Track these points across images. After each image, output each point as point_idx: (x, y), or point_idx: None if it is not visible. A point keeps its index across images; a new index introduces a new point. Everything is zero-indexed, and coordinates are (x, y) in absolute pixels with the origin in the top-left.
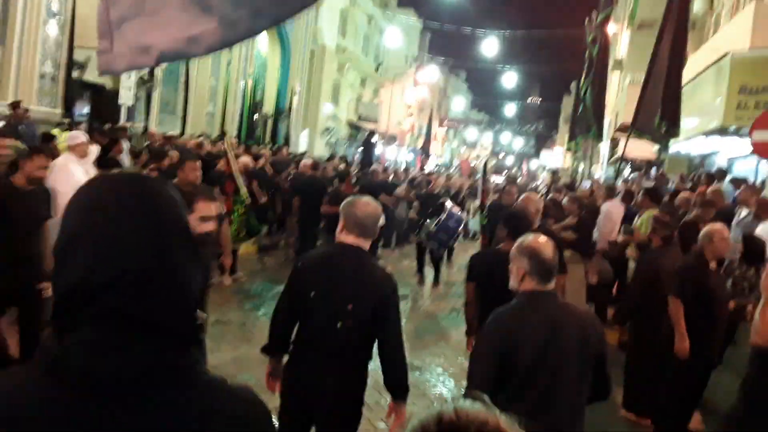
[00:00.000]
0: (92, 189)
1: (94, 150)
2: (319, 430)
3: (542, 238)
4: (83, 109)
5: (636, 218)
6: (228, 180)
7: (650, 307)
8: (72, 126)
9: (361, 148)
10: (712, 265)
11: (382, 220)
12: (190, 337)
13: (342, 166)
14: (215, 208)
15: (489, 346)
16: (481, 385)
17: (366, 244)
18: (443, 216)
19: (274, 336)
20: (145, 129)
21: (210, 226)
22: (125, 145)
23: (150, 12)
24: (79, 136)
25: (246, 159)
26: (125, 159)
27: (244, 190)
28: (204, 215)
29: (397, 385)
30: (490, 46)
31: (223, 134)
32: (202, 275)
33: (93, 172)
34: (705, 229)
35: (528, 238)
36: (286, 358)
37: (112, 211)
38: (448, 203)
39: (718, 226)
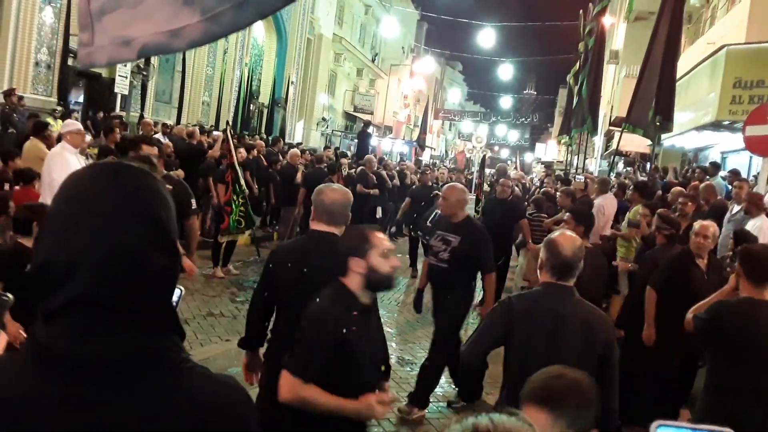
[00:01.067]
0: (76, 175)
1: (87, 139)
2: None
3: (569, 234)
4: (78, 97)
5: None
6: (229, 169)
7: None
8: (67, 114)
9: (356, 140)
10: (701, 261)
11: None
12: (172, 325)
13: (338, 158)
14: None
15: (492, 319)
16: (473, 353)
17: (338, 231)
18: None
19: (250, 329)
20: (141, 118)
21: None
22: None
23: (131, 4)
24: (75, 124)
25: (240, 150)
26: None
27: (243, 181)
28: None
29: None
30: (486, 37)
31: (226, 124)
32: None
33: (84, 161)
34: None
35: (556, 233)
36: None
37: (85, 195)
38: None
39: (705, 223)
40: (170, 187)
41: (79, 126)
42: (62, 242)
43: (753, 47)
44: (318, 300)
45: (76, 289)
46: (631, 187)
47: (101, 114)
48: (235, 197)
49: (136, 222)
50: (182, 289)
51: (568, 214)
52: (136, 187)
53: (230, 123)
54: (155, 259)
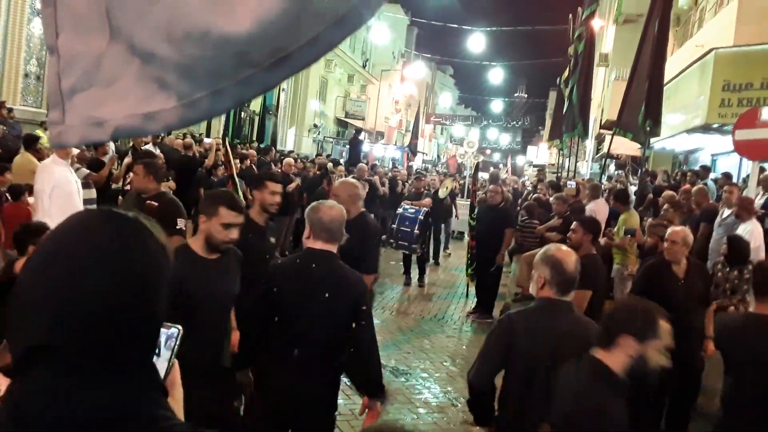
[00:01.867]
0: (73, 215)
1: (75, 151)
2: None
3: (567, 249)
4: None
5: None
6: (229, 181)
7: None
8: None
9: (348, 146)
10: (676, 267)
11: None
12: (150, 381)
13: (330, 164)
14: (240, 215)
15: (496, 340)
16: (483, 378)
17: (334, 248)
18: (398, 214)
19: (246, 347)
20: None
21: (234, 234)
22: (111, 146)
23: (104, 84)
24: None
25: (235, 161)
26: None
27: (242, 192)
28: (227, 222)
29: (372, 384)
30: (476, 42)
31: (222, 135)
32: (158, 322)
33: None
34: None
35: (552, 248)
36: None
37: (66, 237)
38: (404, 203)
39: (676, 228)
40: (156, 204)
41: None
42: (31, 281)
43: (741, 50)
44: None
45: (34, 335)
46: (612, 196)
47: None
48: None
49: (108, 274)
50: (179, 328)
51: (576, 223)
52: (121, 240)
53: (227, 136)
54: (126, 315)
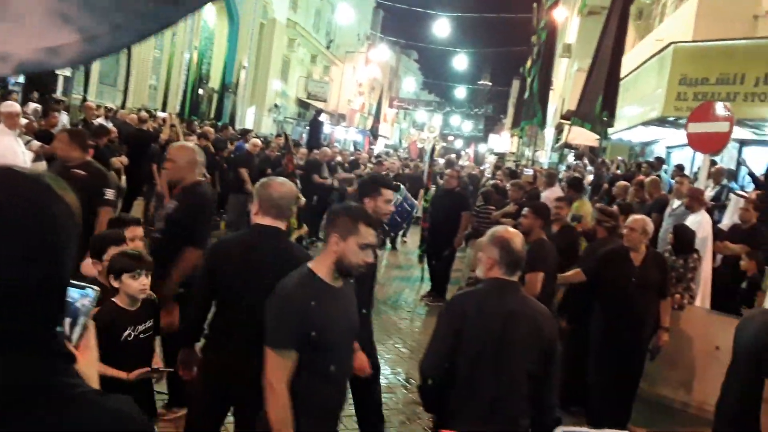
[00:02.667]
0: None
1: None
2: (238, 415)
3: (513, 230)
4: (18, 77)
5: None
6: None
7: (590, 297)
8: (5, 95)
9: (308, 127)
10: (634, 255)
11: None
12: (55, 350)
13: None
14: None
15: (447, 324)
16: (434, 365)
17: (282, 225)
18: (398, 197)
19: (187, 324)
20: (84, 101)
21: (370, 257)
22: (64, 117)
23: (12, 19)
24: (11, 106)
25: (191, 137)
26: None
27: None
28: (366, 242)
29: None
30: (442, 27)
31: (175, 113)
32: (62, 287)
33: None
34: None
35: (499, 229)
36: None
37: None
38: (403, 188)
39: (637, 217)
40: (83, 173)
41: (16, 108)
42: None
43: (699, 45)
44: None
45: None
46: (566, 184)
47: (35, 94)
48: None
49: (6, 237)
50: (95, 288)
51: (527, 209)
52: (22, 200)
53: (177, 110)
54: (28, 279)
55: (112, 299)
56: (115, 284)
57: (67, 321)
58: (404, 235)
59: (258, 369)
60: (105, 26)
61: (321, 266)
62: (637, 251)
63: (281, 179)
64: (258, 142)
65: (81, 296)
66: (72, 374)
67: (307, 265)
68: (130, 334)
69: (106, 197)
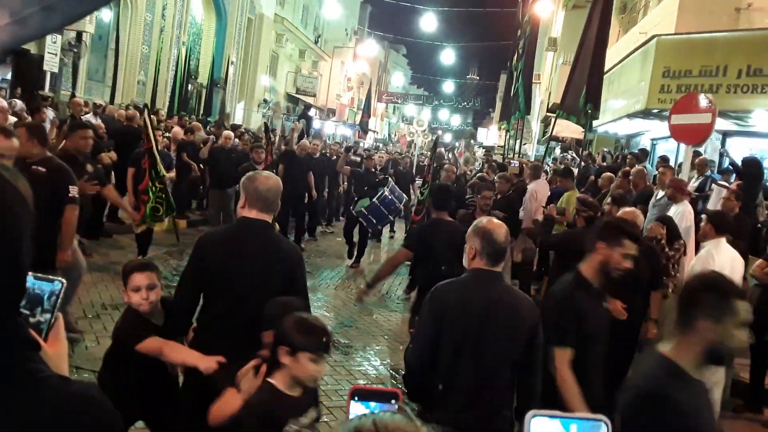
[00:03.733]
0: None
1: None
2: None
3: (497, 221)
4: (6, 74)
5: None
6: (147, 155)
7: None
8: None
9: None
10: None
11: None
12: (14, 337)
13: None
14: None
15: (429, 315)
16: (418, 354)
17: (269, 218)
18: (386, 191)
19: (177, 317)
20: (72, 97)
21: (629, 264)
22: (50, 113)
23: None
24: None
25: (177, 129)
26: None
27: (161, 167)
28: (627, 253)
29: None
30: (429, 22)
31: (144, 106)
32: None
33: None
34: None
35: (483, 220)
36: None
37: None
38: (390, 180)
39: (628, 210)
40: (43, 169)
41: (2, 104)
42: None
43: (682, 38)
44: None
45: None
46: (559, 173)
47: (19, 91)
48: (151, 184)
49: None
50: (63, 281)
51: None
52: None
53: (147, 106)
54: None
55: (269, 380)
56: (284, 360)
57: (38, 311)
58: (391, 229)
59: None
60: (34, 7)
61: (589, 270)
62: None
63: (267, 173)
64: (230, 134)
65: (50, 288)
66: (35, 360)
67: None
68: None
69: (70, 195)
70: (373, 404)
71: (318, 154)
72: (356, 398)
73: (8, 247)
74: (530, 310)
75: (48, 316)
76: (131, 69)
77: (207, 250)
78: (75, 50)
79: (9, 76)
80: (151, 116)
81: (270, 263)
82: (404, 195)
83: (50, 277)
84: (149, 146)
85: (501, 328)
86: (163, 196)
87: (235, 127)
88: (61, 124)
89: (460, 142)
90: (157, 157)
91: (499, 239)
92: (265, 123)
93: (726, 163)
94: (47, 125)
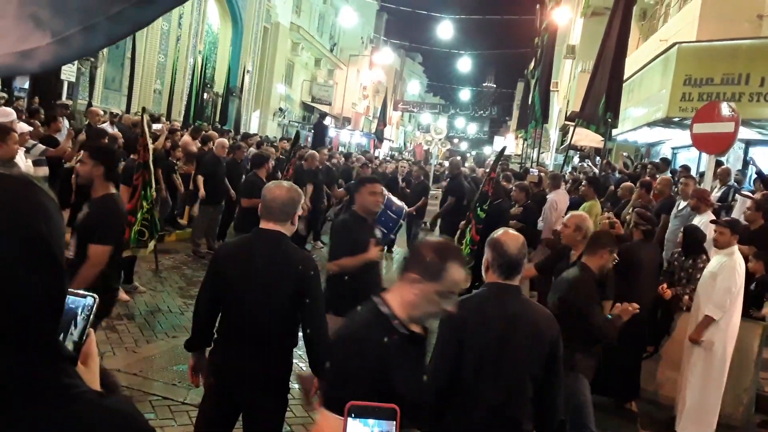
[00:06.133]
0: None
1: (24, 128)
2: (246, 419)
3: (512, 232)
4: (24, 83)
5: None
6: (140, 170)
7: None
8: (11, 101)
9: (312, 131)
10: (573, 254)
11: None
12: (54, 352)
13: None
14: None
15: (449, 334)
16: (438, 376)
17: (282, 228)
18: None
19: (197, 329)
20: (89, 106)
21: None
22: (65, 122)
23: None
24: (7, 113)
25: (187, 139)
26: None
27: (154, 184)
28: None
29: (323, 364)
30: (445, 30)
31: (143, 110)
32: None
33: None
34: None
35: (498, 231)
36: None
37: None
38: (385, 192)
39: (574, 213)
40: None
41: (12, 115)
42: None
43: (703, 45)
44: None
45: None
46: (584, 182)
47: (36, 100)
48: (139, 204)
49: (7, 237)
50: (95, 296)
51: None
52: (9, 199)
53: (145, 110)
54: (28, 278)
55: None
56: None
57: (71, 327)
58: (389, 249)
59: (266, 371)
60: (76, 27)
61: None
62: (577, 251)
63: (286, 183)
64: (225, 143)
65: (82, 303)
66: (72, 375)
67: None
68: None
69: None
70: (371, 421)
71: (322, 166)
72: (353, 415)
73: (56, 252)
74: (549, 323)
75: (81, 331)
76: (147, 78)
77: (222, 261)
78: (92, 60)
79: (27, 86)
80: (150, 122)
81: (279, 274)
82: (404, 206)
83: (82, 292)
84: (144, 159)
85: (520, 344)
86: (149, 217)
87: (246, 136)
88: (77, 133)
89: (472, 152)
90: (152, 175)
91: (510, 250)
92: (297, 131)
93: (752, 171)
94: (63, 135)
